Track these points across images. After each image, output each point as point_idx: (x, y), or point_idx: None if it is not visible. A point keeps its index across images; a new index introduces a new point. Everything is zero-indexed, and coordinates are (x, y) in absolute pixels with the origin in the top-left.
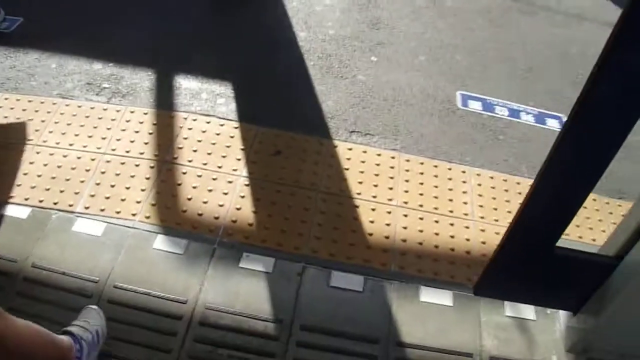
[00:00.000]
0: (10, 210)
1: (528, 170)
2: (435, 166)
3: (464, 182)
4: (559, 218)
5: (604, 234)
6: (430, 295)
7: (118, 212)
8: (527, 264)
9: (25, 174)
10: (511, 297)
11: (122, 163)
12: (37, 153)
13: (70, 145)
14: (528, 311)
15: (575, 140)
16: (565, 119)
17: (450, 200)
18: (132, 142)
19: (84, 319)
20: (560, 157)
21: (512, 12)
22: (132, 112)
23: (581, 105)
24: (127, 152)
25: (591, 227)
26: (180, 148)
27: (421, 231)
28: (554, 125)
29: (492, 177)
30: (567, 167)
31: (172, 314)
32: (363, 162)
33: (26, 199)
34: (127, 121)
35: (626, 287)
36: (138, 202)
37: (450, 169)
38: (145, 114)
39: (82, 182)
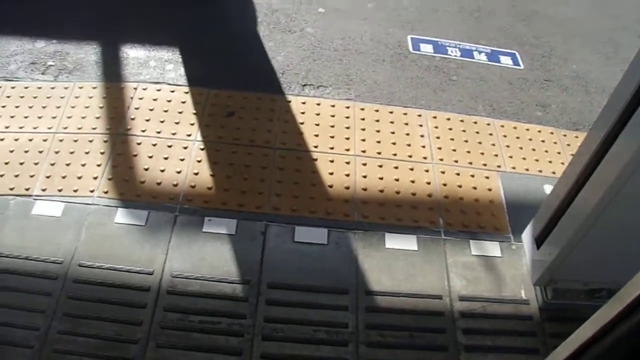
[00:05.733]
0: None
1: (484, 108)
2: (391, 112)
3: (421, 125)
4: None
5: (562, 166)
6: (395, 241)
7: (76, 191)
8: None
9: None
10: None
11: (75, 140)
12: None
13: (21, 128)
14: (493, 248)
15: None
16: (518, 55)
17: (409, 145)
18: (83, 118)
19: None
20: None
21: None
22: (80, 87)
23: None
24: (79, 128)
25: (550, 161)
26: (133, 119)
27: (381, 178)
28: (507, 62)
29: (448, 119)
30: None
31: (139, 286)
32: (318, 114)
33: None
34: (77, 97)
35: (582, 219)
36: (95, 178)
37: (405, 113)
38: (94, 88)
39: (37, 164)
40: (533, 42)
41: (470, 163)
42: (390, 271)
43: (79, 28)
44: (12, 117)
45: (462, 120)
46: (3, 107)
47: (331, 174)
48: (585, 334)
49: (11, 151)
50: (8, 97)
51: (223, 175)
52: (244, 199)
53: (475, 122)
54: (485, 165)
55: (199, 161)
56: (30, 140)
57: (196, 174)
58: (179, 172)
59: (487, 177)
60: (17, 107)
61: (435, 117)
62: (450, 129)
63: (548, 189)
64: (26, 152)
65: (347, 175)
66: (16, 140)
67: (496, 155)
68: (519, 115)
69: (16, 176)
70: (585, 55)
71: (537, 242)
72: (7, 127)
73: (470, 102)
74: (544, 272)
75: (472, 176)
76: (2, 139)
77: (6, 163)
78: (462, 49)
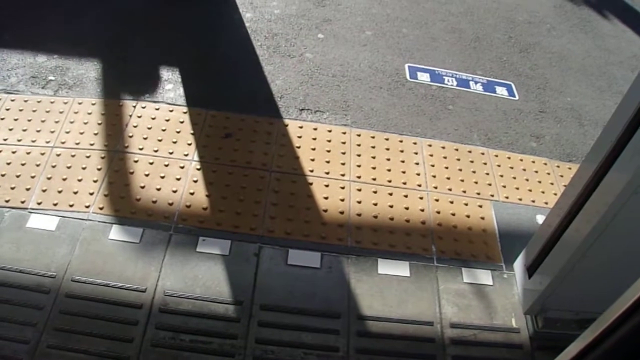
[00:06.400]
0: None
1: (479, 137)
2: (387, 139)
3: (416, 153)
4: None
5: (555, 196)
6: (388, 267)
7: (71, 205)
8: None
9: None
10: None
11: (73, 155)
12: None
13: (19, 140)
14: (485, 276)
15: None
16: (514, 86)
17: (403, 172)
18: (81, 133)
19: None
20: None
21: None
22: (80, 103)
23: None
24: (77, 144)
25: (543, 191)
26: (131, 136)
27: (375, 204)
28: (503, 93)
29: (443, 147)
30: None
31: (132, 303)
32: (314, 139)
33: None
34: (76, 112)
35: (574, 250)
36: (91, 194)
37: (401, 141)
38: (94, 104)
39: (33, 177)
40: (529, 73)
41: (464, 191)
42: (382, 296)
43: (80, 44)
44: (10, 129)
45: (456, 149)
46: (2, 119)
47: (326, 198)
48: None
49: (8, 163)
50: (7, 109)
51: (219, 195)
52: (239, 220)
53: (470, 151)
54: (478, 194)
55: (195, 181)
56: (28, 153)
57: (192, 193)
58: (175, 191)
59: (480, 206)
60: (16, 119)
61: (430, 145)
62: (445, 157)
63: (540, 219)
64: (23, 165)
65: (342, 200)
66: (14, 152)
67: (490, 185)
68: (514, 146)
69: (12, 188)
70: (580, 88)
71: (528, 271)
72: (5, 140)
73: (466, 131)
74: (535, 301)
75: (466, 204)
76: None
77: (2, 175)
78: (459, 79)
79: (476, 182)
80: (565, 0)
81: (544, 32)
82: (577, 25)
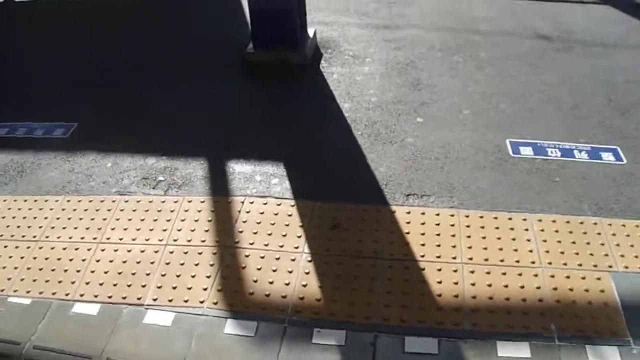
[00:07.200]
0: (81, 308)
1: (590, 207)
2: (495, 218)
3: (526, 230)
4: None
5: None
6: (508, 349)
7: (186, 301)
8: None
9: (92, 272)
10: None
11: (185, 252)
12: (102, 250)
13: (133, 239)
14: (612, 353)
15: None
16: (620, 150)
17: (515, 250)
18: (192, 230)
19: None
20: None
21: (548, 52)
22: (189, 201)
23: None
24: (189, 241)
25: (636, 255)
26: (241, 232)
27: (490, 285)
28: (609, 158)
29: (554, 221)
30: None
31: None
32: (423, 223)
33: (95, 296)
34: (186, 211)
35: None
36: (205, 289)
37: (510, 218)
38: (203, 202)
39: (148, 274)
40: (634, 134)
41: (580, 265)
42: None
43: (186, 144)
44: (125, 229)
45: (567, 222)
46: (117, 220)
47: (439, 282)
48: None
49: (124, 262)
50: (122, 210)
51: (331, 286)
52: (353, 310)
53: (582, 223)
54: (595, 266)
55: (307, 273)
56: (142, 251)
57: (304, 285)
58: (287, 284)
59: (598, 279)
60: (129, 219)
61: (540, 220)
62: (557, 231)
63: None
64: (138, 262)
65: (455, 283)
66: (129, 251)
67: (606, 255)
68: (627, 212)
69: (129, 286)
70: None
71: None
72: (120, 239)
73: (575, 202)
74: None
75: (583, 278)
76: (116, 250)
77: (119, 273)
78: (562, 149)
79: (592, 254)
80: None
81: None
82: None
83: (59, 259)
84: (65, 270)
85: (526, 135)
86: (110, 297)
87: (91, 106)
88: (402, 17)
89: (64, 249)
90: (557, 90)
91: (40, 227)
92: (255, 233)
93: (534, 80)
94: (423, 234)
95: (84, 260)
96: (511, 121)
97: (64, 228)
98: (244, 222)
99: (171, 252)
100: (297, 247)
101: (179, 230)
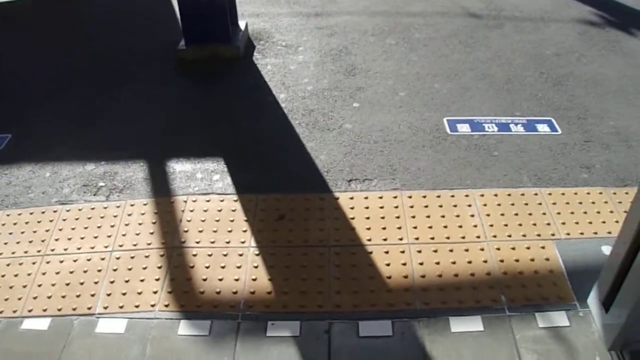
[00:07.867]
0: (31, 324)
1: (530, 179)
2: (438, 196)
3: (469, 205)
4: None
5: (617, 224)
6: (460, 325)
7: (137, 306)
8: None
9: (39, 286)
10: None
11: (132, 257)
12: (47, 263)
13: (79, 249)
14: (560, 318)
15: None
16: (554, 121)
17: (460, 226)
18: (137, 234)
19: None
20: None
21: (479, 30)
22: (132, 205)
23: None
24: (135, 245)
25: (604, 221)
26: (186, 231)
27: (438, 263)
28: (545, 129)
29: (495, 195)
30: None
31: None
32: (367, 207)
33: (44, 310)
34: (129, 215)
35: None
36: (155, 293)
37: (453, 196)
38: (145, 204)
39: (96, 283)
40: (567, 105)
41: (524, 235)
42: (459, 355)
43: (124, 148)
44: (69, 239)
45: (509, 194)
46: (60, 230)
47: (388, 265)
48: None
49: (71, 272)
50: (64, 220)
51: (281, 278)
52: (305, 300)
53: (523, 194)
54: (539, 235)
55: (256, 267)
56: (89, 260)
57: (254, 279)
58: (237, 280)
59: (543, 247)
60: (73, 229)
61: (482, 195)
62: (499, 205)
63: (607, 249)
64: (85, 271)
65: (404, 264)
66: (75, 261)
67: (548, 224)
68: (565, 180)
69: (78, 296)
70: (622, 109)
71: (604, 305)
72: (65, 249)
73: (515, 174)
74: (617, 335)
75: (528, 248)
76: (61, 261)
77: (67, 284)
78: (499, 124)
79: (534, 224)
80: (589, 25)
81: (573, 61)
82: (605, 48)
83: (3, 276)
84: (11, 287)
85: (463, 112)
86: (60, 309)
87: (24, 117)
88: (333, 3)
89: (8, 265)
90: (490, 67)
91: None
92: (200, 231)
93: (467, 58)
94: (368, 218)
95: (29, 274)
96: (447, 100)
97: (5, 244)
98: (189, 221)
99: (118, 258)
100: (243, 242)
101: (124, 235)
